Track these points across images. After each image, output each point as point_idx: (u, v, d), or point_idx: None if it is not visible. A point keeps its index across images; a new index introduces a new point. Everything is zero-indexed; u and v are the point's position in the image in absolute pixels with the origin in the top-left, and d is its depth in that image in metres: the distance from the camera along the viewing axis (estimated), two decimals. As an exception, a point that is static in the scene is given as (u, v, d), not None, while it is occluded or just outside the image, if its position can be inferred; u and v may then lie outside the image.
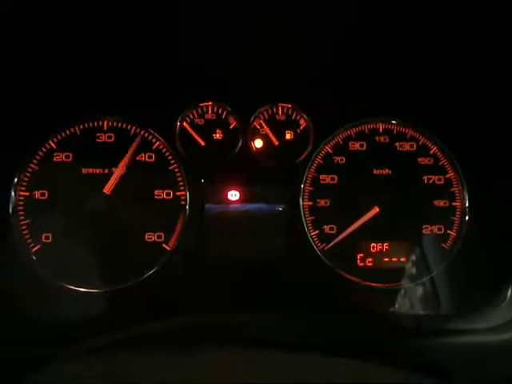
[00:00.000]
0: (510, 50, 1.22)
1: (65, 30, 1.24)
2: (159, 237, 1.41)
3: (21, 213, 1.38)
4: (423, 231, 1.44)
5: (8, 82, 1.29)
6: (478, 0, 1.13)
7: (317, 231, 1.44)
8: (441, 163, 1.48)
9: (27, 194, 1.39)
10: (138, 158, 1.43)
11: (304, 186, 1.46)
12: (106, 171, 1.41)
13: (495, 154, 1.39)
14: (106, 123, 1.44)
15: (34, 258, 1.37)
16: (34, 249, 1.37)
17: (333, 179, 1.47)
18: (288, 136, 1.49)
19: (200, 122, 1.48)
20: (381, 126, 1.50)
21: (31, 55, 1.28)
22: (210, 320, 1.13)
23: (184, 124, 1.47)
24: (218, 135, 1.48)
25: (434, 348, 1.06)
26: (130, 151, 1.42)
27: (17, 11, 1.11)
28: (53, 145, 1.42)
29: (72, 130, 1.43)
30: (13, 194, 1.38)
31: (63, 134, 1.42)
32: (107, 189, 1.40)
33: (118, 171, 1.41)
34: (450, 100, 1.44)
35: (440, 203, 1.46)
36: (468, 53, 1.31)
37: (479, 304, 1.24)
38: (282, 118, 1.49)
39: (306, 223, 1.44)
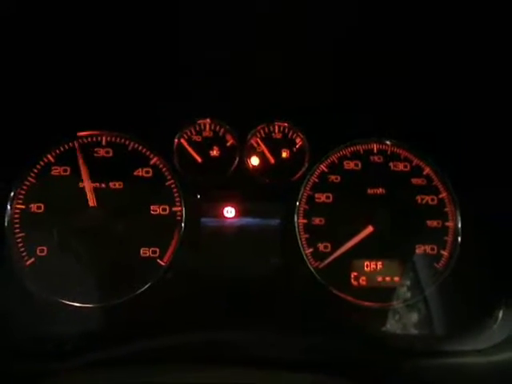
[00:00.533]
0: (504, 72, 1.25)
1: (63, 45, 1.25)
2: (154, 252, 1.41)
3: (16, 225, 1.38)
4: (416, 251, 1.46)
5: (8, 96, 1.30)
6: (476, 20, 1.15)
7: (311, 249, 1.45)
8: (434, 183, 1.50)
9: (23, 206, 1.40)
10: (135, 173, 1.44)
11: (299, 203, 1.47)
12: (103, 185, 1.42)
13: (488, 174, 1.41)
14: (104, 138, 1.46)
15: (28, 271, 1.36)
16: (28, 262, 1.37)
17: (328, 198, 1.48)
18: (284, 154, 1.51)
19: (197, 138, 1.50)
20: (375, 146, 1.52)
21: (31, 69, 1.29)
22: (203, 337, 1.12)
23: (181, 140, 1.49)
24: (214, 152, 1.50)
25: (426, 368, 1.06)
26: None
27: (17, 24, 1.13)
28: (51, 158, 1.43)
29: (71, 144, 1.44)
30: (8, 206, 1.39)
31: (62, 149, 1.43)
32: (91, 201, 1.40)
33: (87, 183, 1.40)
34: (443, 121, 1.46)
35: (433, 223, 1.48)
36: (460, 75, 1.33)
37: (471, 325, 1.25)
38: (279, 136, 1.52)
39: (301, 241, 1.45)
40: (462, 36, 1.20)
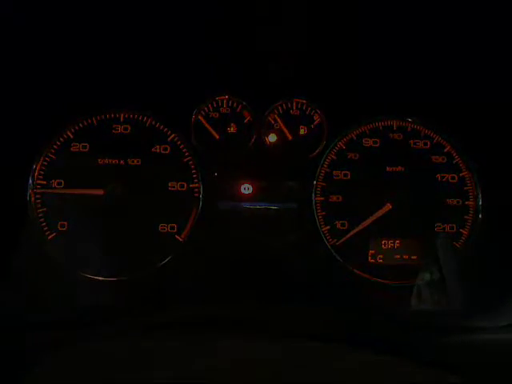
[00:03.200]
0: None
1: (82, 21, 1.26)
2: (172, 228, 1.42)
3: (38, 201, 1.41)
4: (435, 229, 1.44)
5: (27, 72, 1.32)
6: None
7: (328, 226, 1.45)
8: (454, 162, 1.48)
9: (44, 182, 1.42)
10: (153, 150, 1.45)
11: (317, 181, 1.47)
12: (122, 162, 1.43)
13: (509, 152, 1.38)
14: (122, 115, 1.46)
15: (50, 245, 1.39)
16: (50, 236, 1.40)
17: (345, 175, 1.47)
18: (302, 131, 1.50)
19: (215, 115, 1.49)
20: (395, 123, 1.49)
21: (53, 45, 1.30)
22: (219, 312, 1.14)
23: (199, 117, 1.49)
24: (232, 129, 1.49)
25: (444, 344, 1.06)
26: None
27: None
28: (70, 135, 1.44)
29: (89, 120, 1.45)
30: (30, 182, 1.41)
31: (81, 125, 1.44)
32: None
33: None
34: (464, 99, 1.43)
35: (453, 202, 1.46)
36: (480, 52, 1.30)
37: (491, 303, 1.24)
38: (297, 113, 1.50)
39: (318, 218, 1.45)
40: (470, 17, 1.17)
